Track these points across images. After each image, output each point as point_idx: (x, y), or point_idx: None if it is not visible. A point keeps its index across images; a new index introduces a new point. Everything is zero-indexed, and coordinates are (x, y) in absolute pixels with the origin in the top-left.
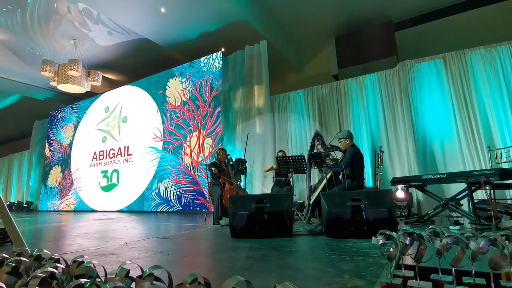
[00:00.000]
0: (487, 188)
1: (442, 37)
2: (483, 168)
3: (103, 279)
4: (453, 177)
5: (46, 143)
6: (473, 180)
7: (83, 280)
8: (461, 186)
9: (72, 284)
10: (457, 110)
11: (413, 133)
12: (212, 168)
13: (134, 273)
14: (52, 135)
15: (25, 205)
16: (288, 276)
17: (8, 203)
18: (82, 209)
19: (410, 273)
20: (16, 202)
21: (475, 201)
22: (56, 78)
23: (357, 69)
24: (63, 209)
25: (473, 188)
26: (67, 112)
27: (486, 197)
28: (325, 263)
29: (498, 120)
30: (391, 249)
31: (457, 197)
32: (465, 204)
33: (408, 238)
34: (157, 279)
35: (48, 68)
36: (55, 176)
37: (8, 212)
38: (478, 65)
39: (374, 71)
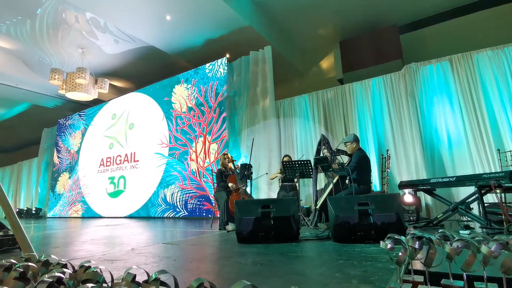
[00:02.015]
0: (498, 191)
1: (448, 39)
2: (493, 171)
3: (109, 284)
4: (462, 181)
5: (55, 150)
6: (483, 183)
7: (89, 285)
8: (471, 189)
9: None
10: (465, 113)
11: (420, 136)
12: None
13: (141, 278)
14: (60, 142)
15: (33, 212)
16: (295, 282)
17: (17, 209)
18: (89, 215)
19: (420, 278)
20: (25, 208)
21: (486, 204)
22: (64, 86)
23: (362, 72)
24: (71, 216)
25: (483, 191)
26: (75, 120)
27: (496, 201)
28: (332, 269)
29: (507, 122)
30: (400, 254)
31: (467, 201)
32: (475, 208)
33: (417, 242)
34: (163, 284)
35: (56, 76)
36: (63, 182)
37: (17, 218)
38: (485, 66)
39: (380, 74)
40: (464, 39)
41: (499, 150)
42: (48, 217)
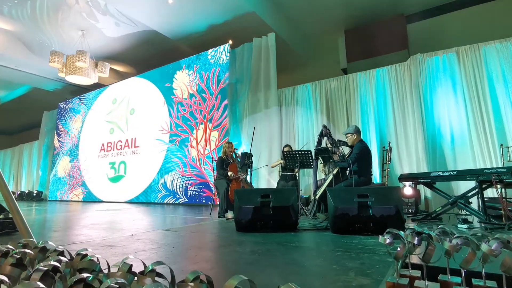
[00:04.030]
0: (499, 186)
1: (455, 30)
2: (495, 166)
3: (106, 272)
4: (463, 175)
5: (55, 134)
6: (484, 178)
7: (85, 275)
8: (471, 184)
9: (74, 279)
10: (469, 106)
11: (423, 128)
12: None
13: (137, 266)
14: (61, 125)
15: (34, 195)
16: (292, 272)
17: (19, 192)
18: (90, 200)
19: (417, 273)
20: (27, 191)
21: (485, 199)
22: (64, 69)
23: (366, 63)
24: (72, 199)
25: (483, 186)
26: (75, 103)
27: (496, 196)
28: (330, 260)
29: None
30: (399, 249)
31: (467, 195)
32: (474, 202)
33: (416, 238)
34: (159, 275)
35: (56, 59)
36: (63, 166)
37: (15, 202)
38: (493, 59)
39: (384, 65)
40: (472, 30)
41: (502, 145)
42: (49, 200)
